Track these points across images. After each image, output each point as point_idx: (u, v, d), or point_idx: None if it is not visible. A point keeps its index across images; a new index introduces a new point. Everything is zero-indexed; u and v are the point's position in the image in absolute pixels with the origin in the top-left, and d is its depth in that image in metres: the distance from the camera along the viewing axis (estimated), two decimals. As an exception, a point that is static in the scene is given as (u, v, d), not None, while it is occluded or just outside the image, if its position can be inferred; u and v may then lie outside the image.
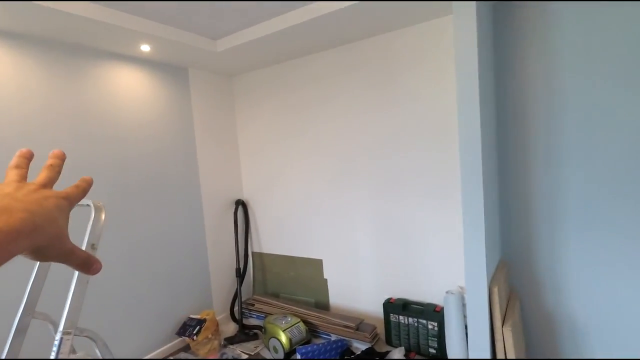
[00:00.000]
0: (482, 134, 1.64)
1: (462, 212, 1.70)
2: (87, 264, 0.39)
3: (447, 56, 2.14)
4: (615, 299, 1.85)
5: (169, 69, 2.72)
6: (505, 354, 1.69)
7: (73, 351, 1.14)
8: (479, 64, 1.60)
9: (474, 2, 1.55)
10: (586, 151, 1.84)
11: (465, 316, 2.12)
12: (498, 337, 1.71)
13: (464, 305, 2.14)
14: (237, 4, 2.02)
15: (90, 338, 1.11)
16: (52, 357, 1.02)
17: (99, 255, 0.71)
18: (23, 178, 0.38)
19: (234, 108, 3.27)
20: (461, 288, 2.23)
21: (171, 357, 2.59)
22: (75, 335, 1.06)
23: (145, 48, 2.33)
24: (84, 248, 1.10)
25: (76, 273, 1.09)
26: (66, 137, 2.15)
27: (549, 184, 1.95)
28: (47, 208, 0.34)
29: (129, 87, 2.46)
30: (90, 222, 1.10)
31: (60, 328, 1.03)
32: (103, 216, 1.13)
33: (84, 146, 2.23)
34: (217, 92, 3.11)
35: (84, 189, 0.43)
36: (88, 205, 1.13)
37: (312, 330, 2.67)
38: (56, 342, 1.03)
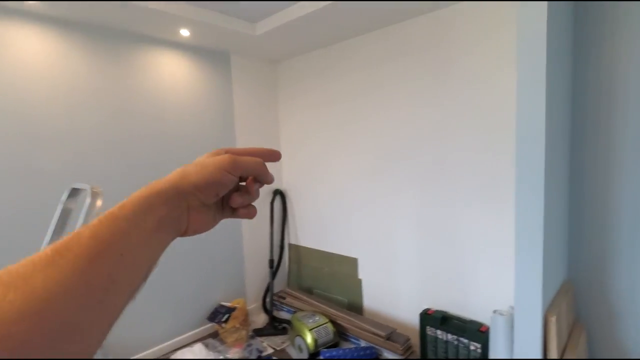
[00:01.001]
0: (547, 128, 1.31)
1: (515, 221, 1.40)
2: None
3: (510, 38, 1.79)
4: None
5: (211, 55, 2.70)
6: (561, 398, 1.37)
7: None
8: (547, 46, 1.27)
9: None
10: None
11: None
12: (553, 376, 1.39)
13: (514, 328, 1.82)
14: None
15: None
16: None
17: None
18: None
19: (277, 95, 3.19)
20: (513, 309, 1.90)
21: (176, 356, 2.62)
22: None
23: (184, 32, 2.32)
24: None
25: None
26: (108, 118, 2.22)
27: (635, 191, 1.54)
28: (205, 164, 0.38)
29: (170, 72, 2.48)
30: (85, 207, 1.06)
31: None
32: (99, 203, 1.08)
33: (124, 129, 2.29)
34: (259, 79, 3.05)
35: (251, 163, 0.41)
36: (84, 189, 1.08)
37: (341, 333, 2.51)
38: None
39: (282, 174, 3.23)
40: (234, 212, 0.44)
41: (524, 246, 1.38)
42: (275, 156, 0.44)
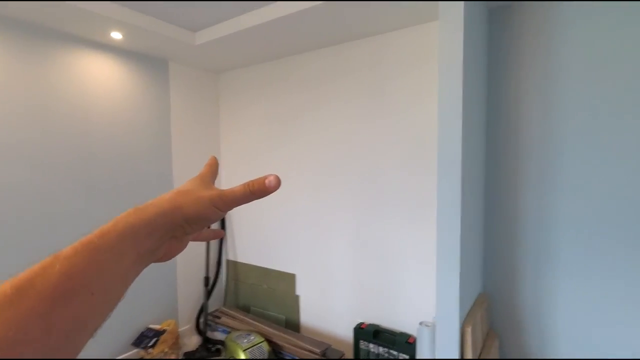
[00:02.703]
0: (464, 154, 1.44)
1: (437, 240, 1.51)
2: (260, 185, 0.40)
3: (434, 64, 1.95)
4: (608, 350, 1.63)
5: (147, 60, 2.57)
6: (475, 404, 1.48)
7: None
8: (464, 75, 1.41)
9: (462, 2, 1.37)
10: (586, 177, 1.63)
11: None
12: (468, 383, 1.50)
13: (439, 339, 1.94)
14: (211, -6, 1.86)
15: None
16: None
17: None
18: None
19: (218, 106, 3.12)
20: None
21: (123, 369, 2.40)
22: None
23: (116, 35, 2.18)
24: None
25: None
26: (28, 126, 1.99)
27: (540, 212, 1.75)
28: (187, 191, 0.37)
29: (99, 74, 2.31)
30: None
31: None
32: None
33: (47, 138, 2.07)
34: (200, 89, 2.96)
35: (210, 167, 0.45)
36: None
37: (277, 352, 2.47)
38: None
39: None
40: (201, 236, 0.44)
41: (444, 263, 1.49)
42: (266, 192, 0.39)
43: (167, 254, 0.37)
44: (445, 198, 1.47)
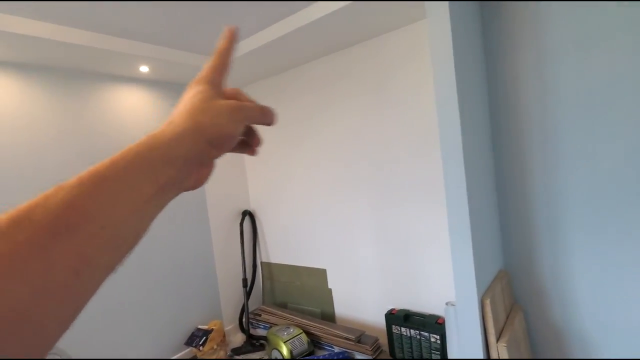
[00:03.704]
0: (464, 138, 1.55)
1: (448, 222, 1.62)
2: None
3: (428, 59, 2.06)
4: (628, 309, 1.67)
5: (169, 86, 2.83)
6: (500, 371, 1.58)
7: None
8: (456, 66, 1.52)
9: (447, 2, 1.49)
10: (587, 150, 1.69)
11: (466, 329, 2.02)
12: (493, 353, 1.60)
13: (465, 317, 2.03)
14: (225, 20, 2.07)
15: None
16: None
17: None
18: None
19: (238, 121, 3.34)
20: (463, 299, 2.12)
21: (179, 367, 2.65)
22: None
23: (144, 69, 2.44)
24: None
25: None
26: (73, 157, 2.28)
27: (548, 187, 1.81)
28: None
29: (130, 105, 2.59)
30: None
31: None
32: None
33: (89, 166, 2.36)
34: (220, 106, 3.19)
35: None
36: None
37: (316, 342, 2.64)
38: None
39: (250, 195, 3.36)
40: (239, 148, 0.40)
41: (456, 242, 1.60)
42: (269, 117, 0.39)
43: (198, 181, 0.32)
44: (451, 181, 1.58)
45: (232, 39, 0.39)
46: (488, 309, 1.60)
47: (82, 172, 0.25)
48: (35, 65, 2.13)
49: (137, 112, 2.61)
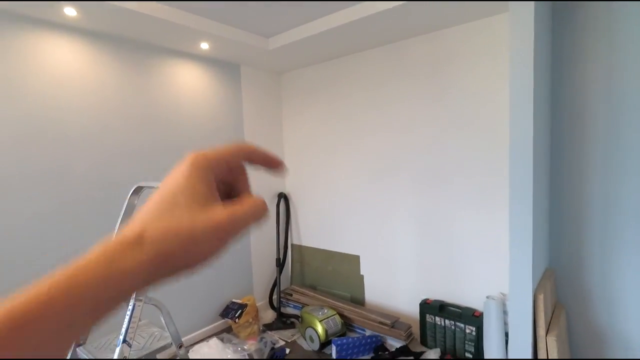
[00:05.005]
0: (534, 136, 1.60)
1: (509, 215, 1.67)
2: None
3: (500, 55, 2.09)
4: (676, 319, 1.73)
5: (223, 66, 2.88)
6: (548, 363, 1.65)
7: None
8: (534, 65, 1.56)
9: (533, 2, 1.52)
10: (651, 160, 1.73)
11: (506, 323, 2.09)
12: (541, 345, 1.67)
13: (504, 312, 2.10)
14: (290, 2, 2.11)
15: (157, 306, 1.25)
16: (125, 321, 1.16)
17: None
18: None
19: (281, 103, 3.40)
20: (503, 295, 2.18)
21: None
22: (145, 302, 1.20)
23: (204, 46, 2.50)
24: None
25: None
26: (134, 124, 2.36)
27: (606, 191, 1.86)
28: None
29: (188, 82, 2.65)
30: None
31: (133, 295, 1.18)
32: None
33: (148, 136, 2.44)
34: (265, 88, 3.25)
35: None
36: (151, 187, 1.26)
37: (347, 324, 2.73)
38: (130, 307, 1.17)
39: (286, 178, 3.44)
40: None
41: (517, 236, 1.65)
42: (277, 165, 0.35)
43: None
44: (518, 180, 1.63)
45: (274, 165, 0.35)
46: (541, 303, 1.66)
47: (14, 304, 0.20)
48: (107, 33, 2.20)
49: (192, 89, 2.68)
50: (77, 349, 1.32)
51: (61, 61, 2.04)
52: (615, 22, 1.77)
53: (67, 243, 2.07)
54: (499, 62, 2.10)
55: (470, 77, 2.24)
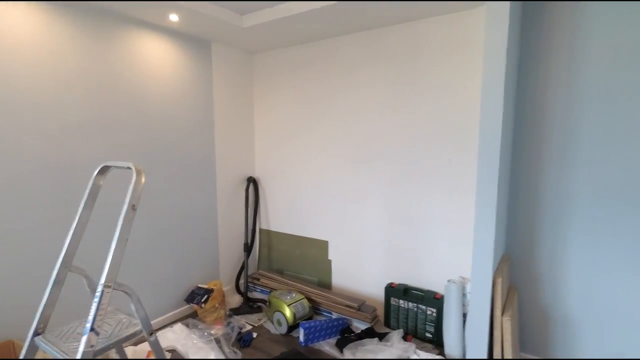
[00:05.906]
0: (503, 130, 1.69)
1: (475, 204, 1.77)
2: None
3: (471, 45, 2.17)
4: (610, 301, 1.94)
5: (193, 41, 2.73)
6: (502, 341, 1.79)
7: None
8: (507, 59, 1.63)
9: (508, 2, 1.57)
10: (602, 156, 1.89)
11: (464, 305, 2.23)
12: (497, 325, 1.81)
13: (464, 294, 2.24)
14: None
15: (127, 293, 1.20)
16: (93, 308, 1.10)
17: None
18: None
19: (252, 84, 3.30)
20: (463, 278, 2.32)
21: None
22: (114, 289, 1.14)
23: (173, 18, 2.34)
24: (124, 210, 1.17)
25: (116, 232, 1.16)
26: (94, 98, 2.19)
27: (560, 184, 2.02)
28: None
29: (155, 55, 2.48)
30: (132, 185, 1.17)
31: (102, 281, 1.11)
32: (143, 179, 1.19)
33: (110, 110, 2.27)
34: (237, 68, 3.13)
35: None
36: (129, 168, 1.19)
37: (315, 308, 2.78)
38: (97, 294, 1.11)
39: (255, 162, 3.37)
40: None
41: (481, 224, 1.76)
42: None
43: None
44: (485, 169, 1.72)
45: None
46: (499, 287, 1.79)
47: None
48: (63, -4, 1.99)
49: (159, 62, 2.52)
50: (35, 338, 1.24)
51: (11, 26, 1.83)
52: (579, 21, 1.88)
53: (16, 228, 1.89)
54: (470, 53, 2.18)
55: (443, 66, 2.30)
